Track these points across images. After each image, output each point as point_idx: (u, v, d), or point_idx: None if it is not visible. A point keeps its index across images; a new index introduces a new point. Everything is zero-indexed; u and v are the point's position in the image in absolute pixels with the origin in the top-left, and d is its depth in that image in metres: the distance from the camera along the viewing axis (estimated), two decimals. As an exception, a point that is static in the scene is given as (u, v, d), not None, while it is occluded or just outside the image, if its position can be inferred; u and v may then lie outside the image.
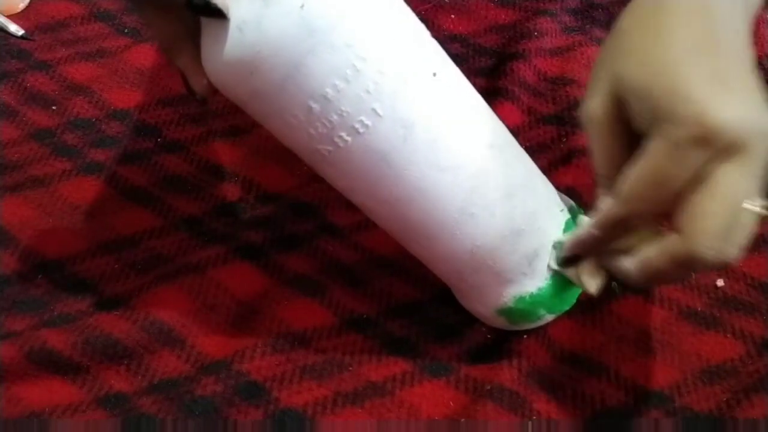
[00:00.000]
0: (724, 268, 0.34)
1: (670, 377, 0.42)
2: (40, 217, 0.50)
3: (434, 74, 0.36)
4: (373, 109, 0.35)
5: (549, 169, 0.51)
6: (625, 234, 0.35)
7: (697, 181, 0.32)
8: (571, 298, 0.41)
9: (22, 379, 0.42)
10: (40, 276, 0.47)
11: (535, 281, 0.40)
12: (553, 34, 0.59)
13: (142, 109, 0.56)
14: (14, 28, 0.61)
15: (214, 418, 0.41)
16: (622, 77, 0.34)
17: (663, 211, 0.33)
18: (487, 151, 0.38)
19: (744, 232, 0.32)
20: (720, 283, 0.46)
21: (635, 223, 0.34)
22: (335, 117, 0.35)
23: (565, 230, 0.40)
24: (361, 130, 0.35)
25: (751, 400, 0.41)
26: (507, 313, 0.41)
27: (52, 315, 0.45)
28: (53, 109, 0.56)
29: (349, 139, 0.35)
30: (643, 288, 0.45)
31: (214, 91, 0.37)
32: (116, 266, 0.47)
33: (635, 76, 0.33)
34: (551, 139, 0.53)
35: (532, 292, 0.40)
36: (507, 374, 0.42)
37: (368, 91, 0.34)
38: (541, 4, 0.62)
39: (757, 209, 0.32)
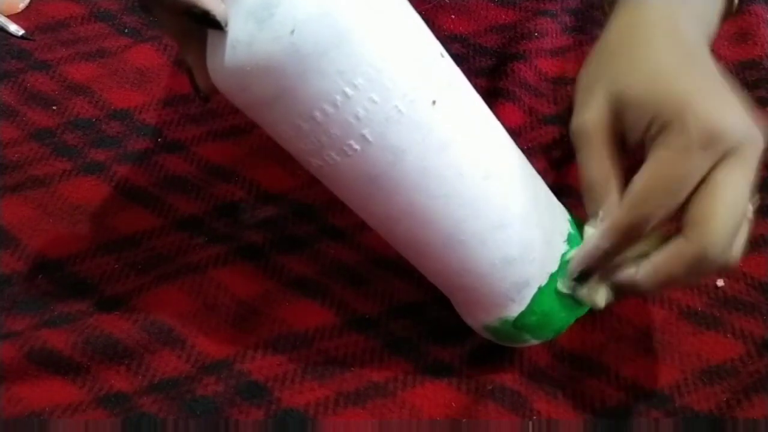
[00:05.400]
0: (725, 271, 0.34)
1: (670, 377, 0.42)
2: (40, 217, 0.50)
3: (434, 102, 0.35)
4: (362, 135, 0.34)
5: (549, 170, 0.51)
6: (633, 243, 0.35)
7: (699, 184, 0.33)
8: (559, 327, 0.40)
9: (22, 379, 0.42)
10: (40, 276, 0.47)
11: (523, 307, 0.39)
12: (554, 35, 0.59)
13: (142, 109, 0.56)
14: (14, 28, 0.61)
15: (215, 418, 0.41)
16: (621, 91, 0.36)
17: (669, 215, 0.34)
18: (482, 181, 0.37)
19: (744, 235, 0.35)
20: (720, 283, 0.46)
21: (641, 232, 0.35)
22: (324, 138, 0.34)
23: (562, 261, 0.39)
24: (349, 153, 0.35)
25: (751, 400, 0.41)
26: (492, 331, 0.41)
27: (52, 315, 0.45)
28: (53, 109, 0.56)
29: (338, 158, 0.35)
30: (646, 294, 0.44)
31: (216, 90, 0.37)
32: (116, 266, 0.47)
33: (636, 86, 0.35)
34: (552, 139, 0.53)
35: (518, 318, 0.39)
36: (508, 374, 0.42)
37: (358, 118, 0.34)
38: (542, 5, 0.62)
39: (750, 213, 0.35)
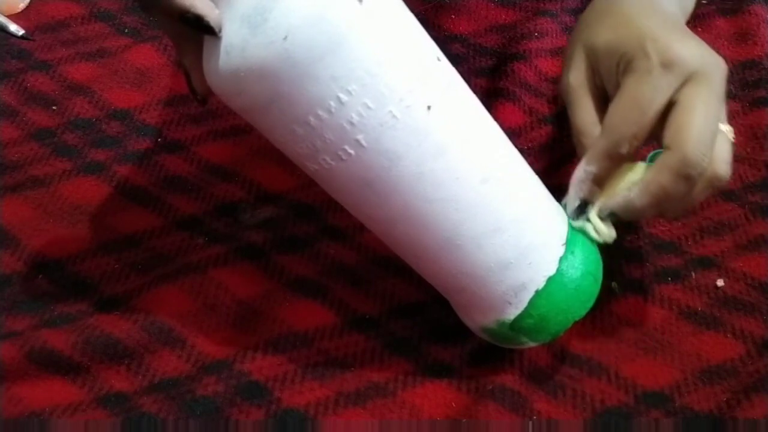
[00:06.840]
0: (718, 184, 0.38)
1: (670, 377, 0.42)
2: (40, 217, 0.50)
3: (429, 107, 0.35)
4: (357, 140, 0.34)
5: (550, 169, 0.51)
6: (616, 165, 0.39)
7: (672, 106, 0.38)
8: (556, 330, 0.40)
9: (22, 379, 0.42)
10: (40, 276, 0.47)
11: (520, 310, 0.39)
12: (554, 35, 0.59)
13: (142, 109, 0.56)
14: (14, 28, 0.61)
15: (215, 418, 0.41)
16: (592, 43, 0.41)
17: (643, 135, 0.38)
18: (479, 185, 0.37)
19: (727, 153, 0.39)
20: (720, 283, 0.46)
21: (620, 151, 0.38)
22: (319, 142, 0.35)
23: (560, 266, 0.39)
24: (344, 157, 0.35)
25: (751, 400, 0.41)
26: (490, 333, 0.41)
27: (52, 315, 0.45)
28: (53, 109, 0.56)
29: (333, 163, 0.35)
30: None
31: (212, 92, 0.37)
32: (116, 266, 0.48)
33: (603, 36, 0.40)
34: (552, 139, 0.53)
35: (515, 320, 0.39)
36: (508, 374, 0.42)
37: (352, 123, 0.34)
38: (542, 5, 0.62)
39: (726, 130, 0.39)
